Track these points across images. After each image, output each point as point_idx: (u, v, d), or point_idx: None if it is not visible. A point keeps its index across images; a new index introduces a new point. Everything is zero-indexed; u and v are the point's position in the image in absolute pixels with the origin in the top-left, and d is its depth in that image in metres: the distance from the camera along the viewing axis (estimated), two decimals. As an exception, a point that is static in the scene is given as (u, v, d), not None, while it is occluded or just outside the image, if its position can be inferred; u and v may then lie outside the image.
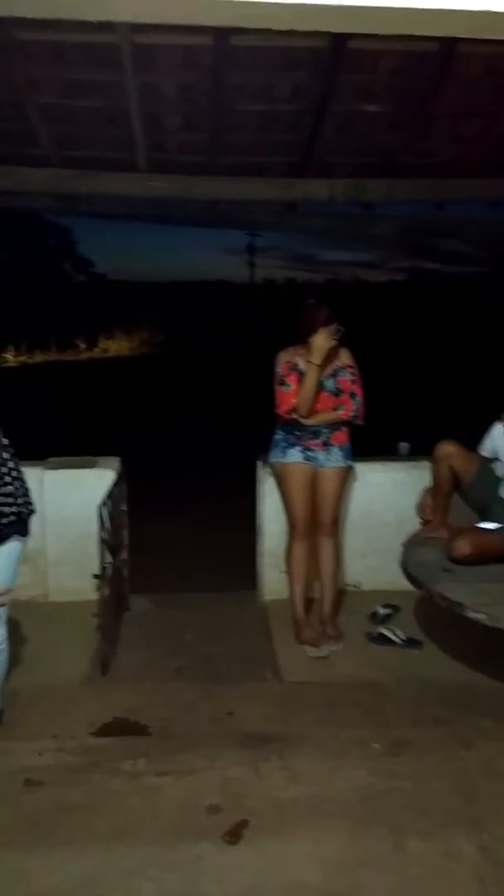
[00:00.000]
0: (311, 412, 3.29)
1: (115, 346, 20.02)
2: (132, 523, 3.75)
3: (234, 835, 1.99)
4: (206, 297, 20.36)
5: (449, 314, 5.88)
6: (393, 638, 3.33)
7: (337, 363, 3.33)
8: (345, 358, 3.36)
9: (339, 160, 3.49)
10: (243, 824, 2.03)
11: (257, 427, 3.56)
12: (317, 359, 3.19)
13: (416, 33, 1.82)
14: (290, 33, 2.55)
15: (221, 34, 2.57)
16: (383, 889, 1.84)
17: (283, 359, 3.33)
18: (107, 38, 2.70)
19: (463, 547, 3.12)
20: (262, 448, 3.52)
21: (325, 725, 2.57)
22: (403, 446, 4.07)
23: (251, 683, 2.93)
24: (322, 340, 3.18)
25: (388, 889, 1.84)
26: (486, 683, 2.91)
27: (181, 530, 4.91)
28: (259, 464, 3.73)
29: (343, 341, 3.32)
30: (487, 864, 1.91)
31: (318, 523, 3.44)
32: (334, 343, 3.23)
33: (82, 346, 19.15)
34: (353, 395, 3.32)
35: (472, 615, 2.75)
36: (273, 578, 3.73)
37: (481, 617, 2.73)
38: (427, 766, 2.31)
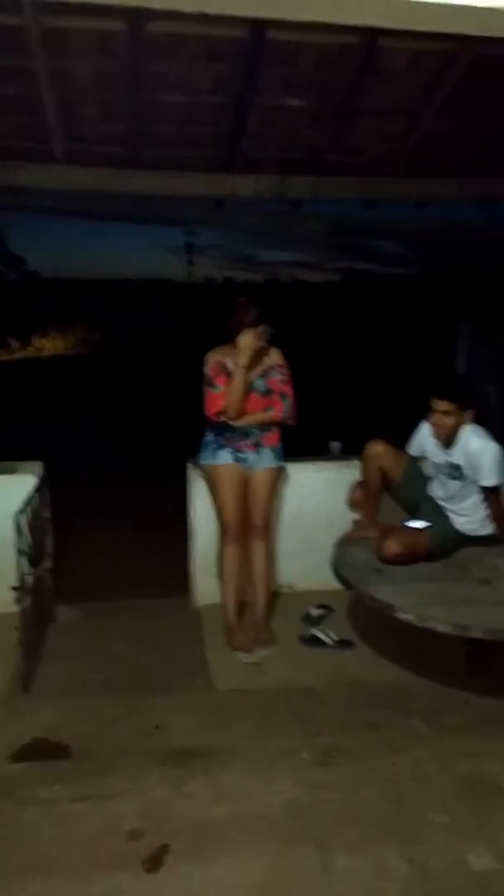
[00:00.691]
0: (241, 413, 3.21)
1: (51, 346, 19.50)
2: (59, 529, 3.59)
3: (154, 862, 1.89)
4: (144, 295, 20.03)
5: (383, 315, 5.96)
6: (325, 640, 3.29)
7: (267, 363, 3.27)
8: (275, 358, 3.30)
9: (264, 156, 3.42)
10: (164, 849, 1.93)
11: (192, 428, 3.47)
12: (243, 360, 3.11)
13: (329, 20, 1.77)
14: (208, 21, 2.48)
15: (136, 19, 2.46)
16: (310, 908, 1.78)
17: (212, 359, 3.24)
18: (14, 21, 2.55)
19: (392, 547, 3.11)
20: (194, 450, 3.43)
21: (254, 736, 2.50)
22: (335, 446, 4.05)
23: (181, 694, 2.83)
24: (248, 341, 3.11)
25: (315, 908, 1.78)
26: (417, 682, 2.90)
27: (112, 535, 4.75)
28: (189, 466, 3.64)
29: (274, 341, 3.26)
30: (416, 878, 1.87)
31: (249, 525, 3.37)
32: (262, 344, 3.16)
33: (15, 345, 18.59)
34: (283, 396, 3.26)
35: (401, 616, 2.74)
36: (205, 583, 3.64)
37: (410, 617, 2.72)
38: (356, 775, 2.27)
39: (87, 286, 22.64)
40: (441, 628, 2.67)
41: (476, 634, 2.62)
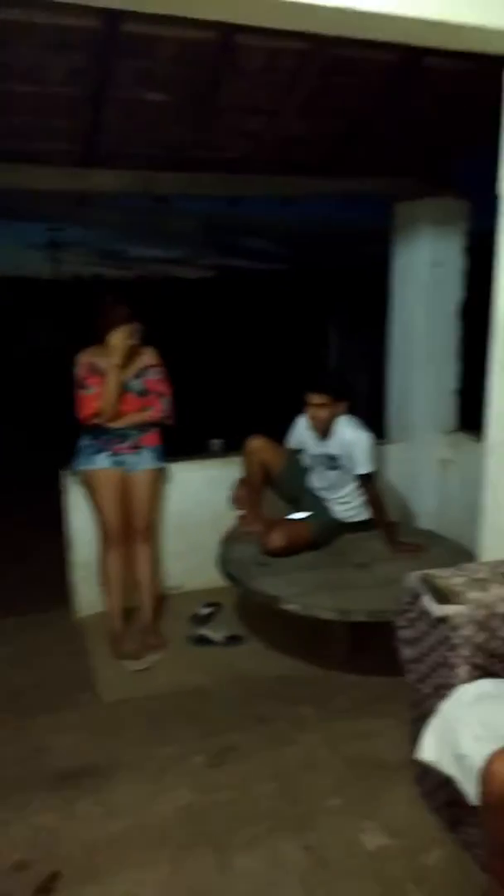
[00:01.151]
0: (117, 415, 3.13)
1: None
2: None
3: (43, 891, 1.79)
4: (4, 294, 18.98)
5: (257, 311, 6.00)
6: (214, 638, 3.28)
7: (141, 363, 3.20)
8: (150, 357, 3.23)
9: (126, 151, 3.32)
10: (55, 877, 1.84)
11: (63, 432, 3.32)
12: (116, 359, 3.03)
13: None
14: (59, 10, 2.36)
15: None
16: (210, 915, 1.76)
17: (82, 360, 3.13)
18: None
19: (276, 539, 3.16)
20: (68, 454, 3.29)
21: (144, 745, 2.44)
22: (215, 443, 4.05)
23: (66, 712, 2.70)
24: (119, 339, 3.03)
25: (214, 914, 1.76)
26: (305, 671, 2.96)
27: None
28: (64, 473, 3.49)
29: (147, 340, 3.20)
30: (312, 865, 1.90)
31: (131, 529, 3.30)
32: (134, 342, 3.09)
33: None
34: (160, 395, 3.21)
35: (286, 607, 2.78)
36: (87, 593, 3.52)
37: (295, 608, 2.76)
38: (250, 771, 2.27)
39: None
40: (325, 615, 2.74)
41: (359, 618, 2.71)
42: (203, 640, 3.30)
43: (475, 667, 1.84)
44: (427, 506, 4.01)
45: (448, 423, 4.03)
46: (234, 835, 1.99)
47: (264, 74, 2.85)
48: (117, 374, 3.05)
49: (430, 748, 1.77)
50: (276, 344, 5.73)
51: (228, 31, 2.57)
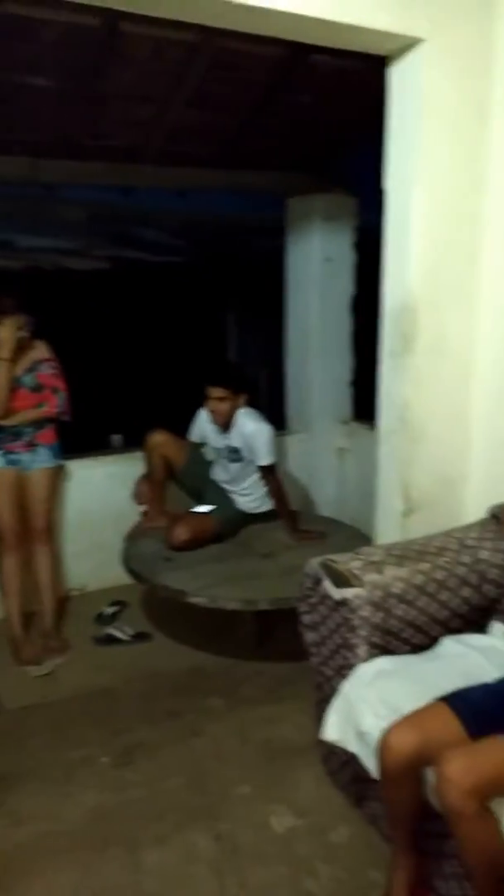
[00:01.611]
0: (8, 411, 3.01)
1: None
2: None
3: None
4: None
5: (154, 304, 5.88)
6: (120, 636, 3.24)
7: (34, 357, 3.09)
8: (42, 351, 3.13)
9: (10, 136, 3.19)
10: (-41, 895, 1.77)
11: None
12: (4, 352, 2.91)
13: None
14: None
15: None
16: (123, 916, 1.74)
17: (-32, 356, 2.98)
18: None
19: (181, 534, 3.15)
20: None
21: (50, 751, 2.37)
22: (115, 438, 3.98)
23: (-36, 724, 2.59)
24: (6, 332, 2.91)
25: (128, 913, 1.75)
26: (214, 662, 2.97)
27: None
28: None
29: (39, 334, 3.09)
30: (224, 854, 1.92)
31: (29, 531, 3.19)
32: (23, 334, 2.98)
33: None
34: (55, 390, 3.11)
35: (193, 600, 2.78)
36: (-17, 599, 3.37)
37: (201, 600, 2.77)
38: (159, 767, 2.27)
39: None
40: (231, 606, 2.76)
41: (263, 606, 2.75)
42: (109, 640, 3.24)
43: (373, 646, 1.92)
44: (326, 494, 4.13)
45: (344, 414, 4.16)
46: (144, 832, 1.98)
47: (151, 64, 2.81)
48: (7, 368, 2.93)
49: (334, 728, 1.83)
50: (174, 336, 5.68)
51: (113, 18, 2.51)
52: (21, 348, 3.00)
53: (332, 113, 3.21)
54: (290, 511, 3.37)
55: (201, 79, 2.90)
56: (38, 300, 3.17)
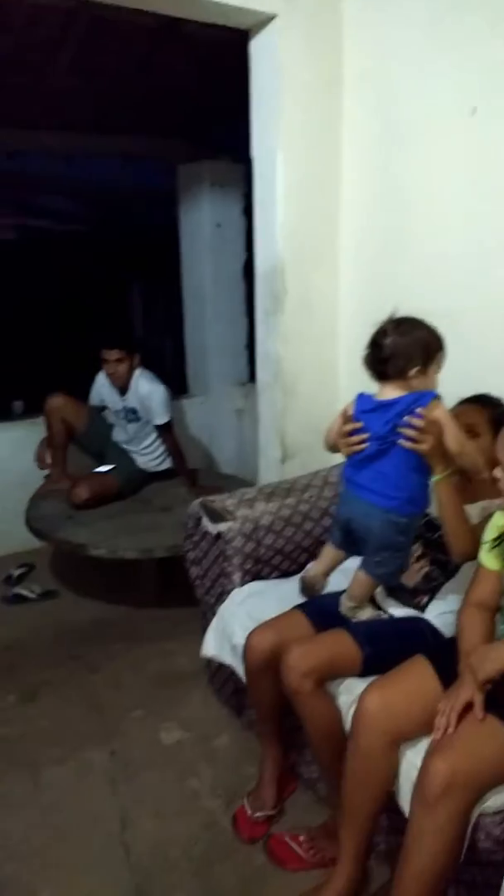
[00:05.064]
0: None
1: None
2: None
3: None
4: None
5: (58, 273, 5.83)
6: (28, 595, 3.35)
7: None
8: None
9: None
10: None
11: None
12: None
13: None
14: None
15: None
16: (21, 827, 1.91)
17: None
18: None
19: (81, 493, 3.27)
20: None
21: (-42, 696, 2.50)
22: (17, 405, 4.03)
23: None
24: None
25: (25, 824, 1.92)
26: (117, 612, 3.14)
27: None
28: None
29: None
30: (118, 766, 2.12)
31: None
32: None
33: None
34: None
35: (94, 552, 2.93)
36: None
37: (102, 552, 2.92)
38: (60, 700, 2.44)
39: None
40: (130, 555, 2.92)
41: (160, 554, 2.93)
42: (17, 599, 3.35)
43: (246, 572, 2.14)
44: (226, 452, 4.33)
45: (242, 376, 4.35)
46: (44, 755, 2.15)
47: (29, 31, 2.86)
48: None
49: (211, 644, 2.05)
50: (77, 306, 5.70)
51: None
52: None
53: (209, 81, 3.34)
54: (187, 468, 3.55)
55: (80, 45, 2.97)
56: None
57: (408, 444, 1.55)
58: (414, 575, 1.84)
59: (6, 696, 2.46)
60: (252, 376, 4.33)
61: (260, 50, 2.37)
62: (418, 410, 1.55)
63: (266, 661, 1.76)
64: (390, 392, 1.60)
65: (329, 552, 1.84)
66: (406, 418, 1.55)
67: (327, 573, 1.87)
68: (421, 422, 1.53)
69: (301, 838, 1.81)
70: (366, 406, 1.64)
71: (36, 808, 1.97)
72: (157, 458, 3.55)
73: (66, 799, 2.00)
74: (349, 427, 1.64)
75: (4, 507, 3.66)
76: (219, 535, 2.15)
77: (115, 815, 1.94)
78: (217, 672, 2.31)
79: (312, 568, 1.90)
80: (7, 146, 3.64)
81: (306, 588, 1.88)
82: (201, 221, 4.06)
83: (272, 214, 2.45)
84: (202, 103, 3.56)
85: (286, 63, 2.32)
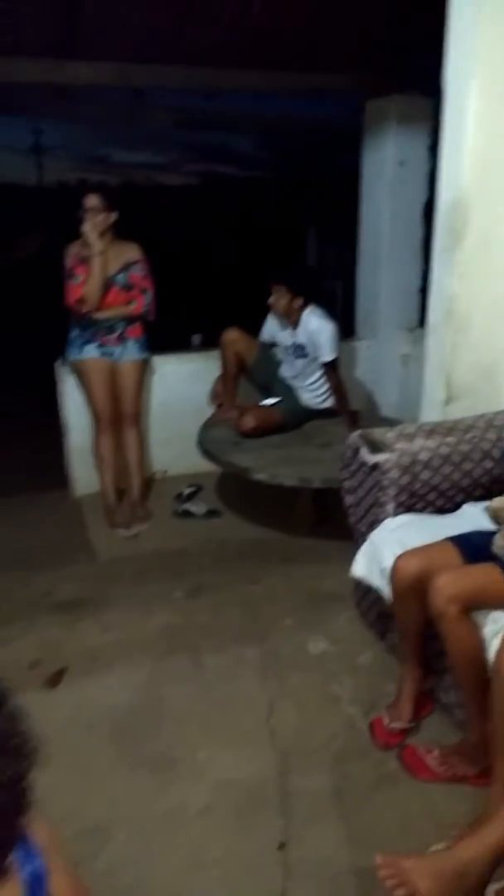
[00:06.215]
0: (100, 305, 3.38)
1: None
2: None
3: (53, 682, 2.25)
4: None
5: (240, 217, 6.03)
6: (195, 511, 3.69)
7: (127, 258, 3.42)
8: (134, 253, 3.45)
9: (101, 41, 3.39)
10: (62, 671, 2.30)
11: (57, 333, 3.58)
12: (95, 247, 3.25)
13: None
14: None
15: None
16: (184, 696, 2.22)
17: (71, 251, 3.37)
18: None
19: (248, 421, 3.50)
20: (62, 350, 3.59)
21: (134, 586, 2.89)
22: (195, 338, 4.32)
23: (67, 567, 3.11)
24: (89, 227, 3.25)
25: (188, 695, 2.22)
26: (274, 536, 3.38)
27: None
28: (58, 364, 3.79)
29: (133, 239, 3.40)
30: (268, 661, 2.37)
31: (121, 415, 3.62)
32: (104, 228, 3.29)
33: None
34: (143, 291, 3.45)
35: (256, 476, 3.16)
36: (83, 474, 3.86)
37: (262, 476, 3.14)
38: (220, 601, 2.73)
39: None
40: (288, 482, 3.11)
41: (317, 484, 3.09)
42: (185, 514, 3.70)
43: (400, 504, 2.23)
44: (389, 398, 4.34)
45: (411, 321, 4.30)
46: (205, 644, 2.45)
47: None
48: (100, 261, 3.29)
49: (361, 565, 2.18)
50: (256, 248, 5.90)
51: None
52: (117, 250, 3.33)
53: (401, 12, 3.23)
54: (349, 408, 3.64)
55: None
56: (131, 215, 3.45)
57: None
58: None
59: (174, 591, 2.80)
60: (422, 322, 4.27)
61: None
62: None
63: (412, 585, 1.86)
64: None
65: None
66: None
67: None
68: None
69: (434, 753, 1.93)
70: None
71: (197, 684, 2.27)
72: (321, 395, 3.67)
73: (222, 682, 2.28)
74: None
75: (179, 431, 3.99)
76: (375, 466, 2.25)
77: (264, 703, 2.18)
78: (364, 596, 2.45)
79: (498, 500, 1.95)
80: (207, 86, 3.78)
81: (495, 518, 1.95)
82: (384, 160, 4.00)
83: (460, 146, 2.38)
84: (396, 35, 3.46)
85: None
